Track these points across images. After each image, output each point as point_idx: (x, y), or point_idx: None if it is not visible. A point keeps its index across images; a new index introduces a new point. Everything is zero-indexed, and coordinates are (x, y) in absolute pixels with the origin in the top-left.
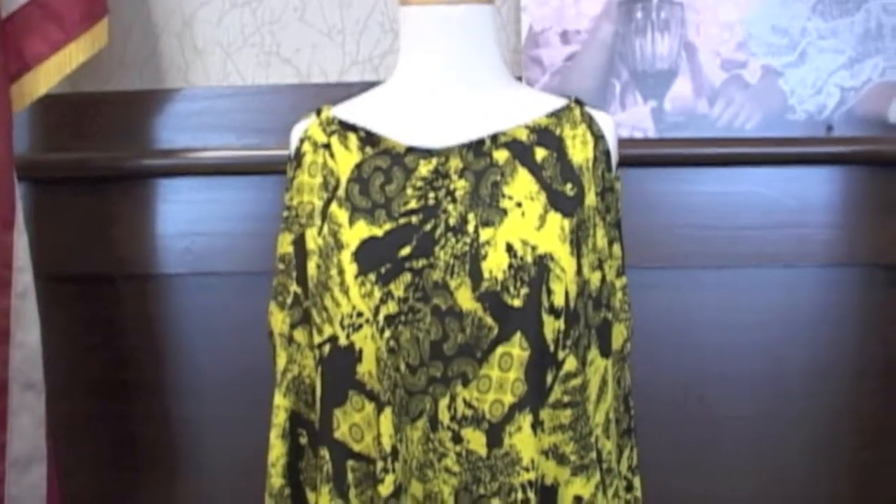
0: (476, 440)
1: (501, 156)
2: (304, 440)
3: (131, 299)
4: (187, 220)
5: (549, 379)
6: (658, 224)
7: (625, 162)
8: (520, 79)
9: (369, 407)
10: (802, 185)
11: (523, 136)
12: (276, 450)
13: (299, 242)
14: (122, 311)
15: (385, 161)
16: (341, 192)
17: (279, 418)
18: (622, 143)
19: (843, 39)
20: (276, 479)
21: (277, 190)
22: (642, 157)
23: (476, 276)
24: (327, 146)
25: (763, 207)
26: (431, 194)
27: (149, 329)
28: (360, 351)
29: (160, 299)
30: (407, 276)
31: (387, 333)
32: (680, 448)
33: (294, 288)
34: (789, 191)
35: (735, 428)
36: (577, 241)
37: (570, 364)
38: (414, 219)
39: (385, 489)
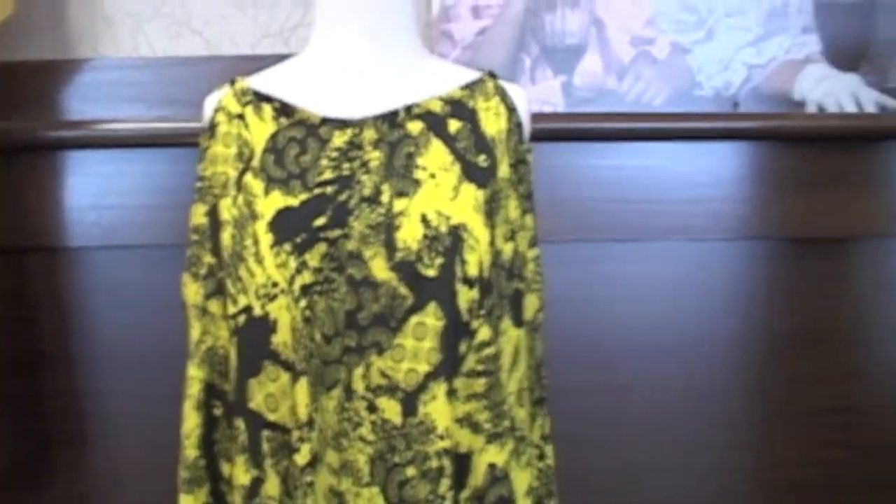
0: (391, 409)
1: (415, 127)
2: (218, 411)
3: (40, 272)
4: (97, 193)
5: (463, 348)
6: (569, 198)
7: (535, 136)
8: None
9: (284, 377)
10: (710, 160)
11: (437, 107)
12: (191, 421)
13: (213, 213)
14: (31, 284)
15: (300, 132)
16: (256, 162)
17: (193, 389)
18: (532, 117)
19: (749, 17)
20: (190, 451)
21: (188, 162)
22: (552, 131)
23: (390, 246)
24: (241, 116)
25: (672, 182)
26: (346, 165)
27: (57, 303)
28: (275, 321)
29: (69, 272)
30: (322, 247)
31: (302, 303)
32: (591, 418)
33: (208, 259)
34: (697, 165)
35: (645, 399)
36: (491, 212)
37: (484, 333)
38: (329, 189)
39: (301, 458)
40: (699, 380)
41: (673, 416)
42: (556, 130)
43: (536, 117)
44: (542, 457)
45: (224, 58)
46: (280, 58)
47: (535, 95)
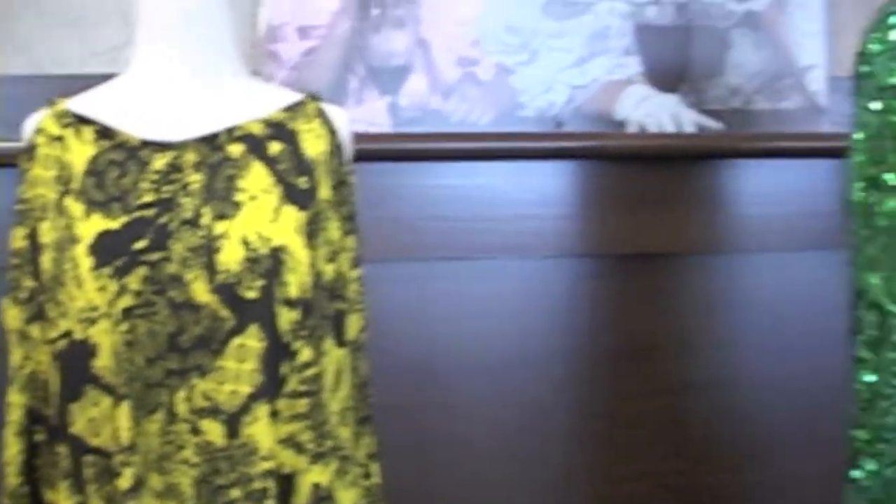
0: (214, 431)
1: (236, 149)
2: (40, 437)
3: None
4: None
5: (285, 369)
6: (397, 217)
7: (362, 157)
8: (256, 74)
9: (106, 401)
10: (535, 179)
11: (258, 130)
12: (12, 448)
13: (33, 236)
14: None
15: (120, 154)
16: (76, 185)
17: (14, 415)
18: (359, 138)
19: (572, 40)
20: (12, 478)
21: (8, 183)
22: (379, 151)
23: (211, 269)
24: (61, 139)
25: (497, 201)
26: (166, 188)
27: None
28: (96, 345)
29: None
30: (142, 270)
31: (123, 327)
32: (420, 435)
33: (29, 283)
34: (522, 184)
35: (477, 416)
36: (312, 234)
37: (306, 354)
38: (149, 212)
39: (124, 483)
40: (529, 396)
41: (504, 433)
42: (383, 151)
43: (363, 138)
44: (367, 475)
45: (48, 77)
46: (108, 77)
47: (362, 116)
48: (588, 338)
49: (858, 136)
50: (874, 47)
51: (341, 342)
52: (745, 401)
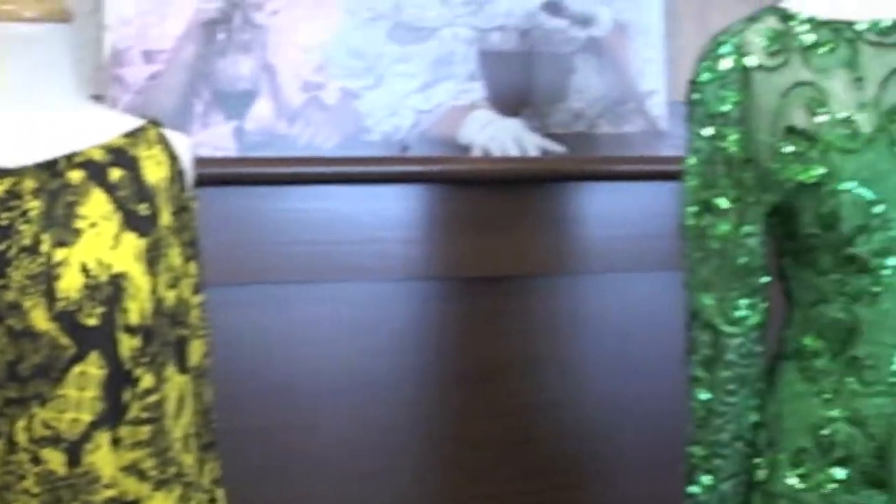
0: (55, 460)
1: (76, 176)
2: None
3: None
4: None
5: (127, 396)
6: (244, 242)
7: (207, 181)
8: (101, 98)
9: None
10: (380, 203)
11: (98, 156)
12: None
13: None
14: None
15: None
16: None
17: None
18: (204, 162)
19: (417, 64)
20: None
21: None
22: (224, 176)
23: (51, 296)
24: None
25: (344, 224)
26: (5, 215)
27: None
28: None
29: None
30: None
31: None
32: (277, 458)
33: None
34: (368, 208)
35: (328, 438)
36: (153, 260)
37: (148, 381)
38: None
39: None
40: (379, 417)
41: (355, 454)
42: (228, 175)
43: (208, 162)
44: (213, 501)
45: None
46: None
47: (207, 140)
48: (436, 360)
49: (691, 160)
50: (705, 76)
51: (183, 368)
52: (591, 421)
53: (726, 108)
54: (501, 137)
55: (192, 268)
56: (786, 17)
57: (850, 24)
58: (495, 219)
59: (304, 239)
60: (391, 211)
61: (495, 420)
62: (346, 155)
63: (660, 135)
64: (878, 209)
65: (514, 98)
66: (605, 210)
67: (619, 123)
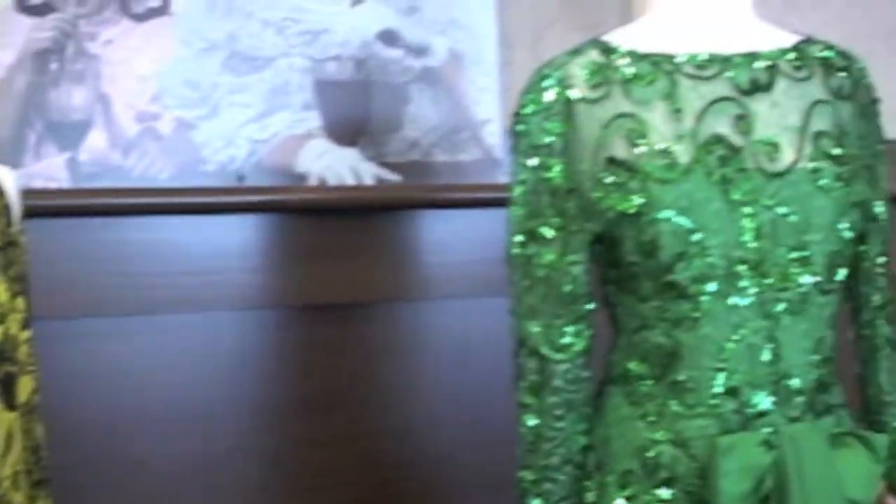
0: None
1: None
2: None
3: None
4: None
5: None
6: (78, 273)
7: (40, 213)
8: None
9: None
10: (217, 233)
11: None
12: None
13: None
14: None
15: None
16: None
17: None
18: (38, 194)
19: (252, 94)
20: None
21: None
22: (58, 207)
23: None
24: None
25: (179, 255)
26: None
27: None
28: None
29: None
30: None
31: None
32: (105, 493)
33: None
34: (204, 238)
35: (164, 469)
36: None
37: None
38: None
39: None
40: (219, 447)
41: (194, 485)
42: (62, 207)
43: (42, 194)
44: None
45: None
46: None
47: (40, 172)
48: (275, 388)
49: (517, 190)
50: (529, 108)
51: (11, 405)
52: (431, 445)
53: (550, 139)
54: (337, 166)
55: (21, 303)
56: (607, 50)
57: (669, 57)
58: (332, 247)
59: (140, 270)
60: (228, 241)
61: (336, 447)
62: (181, 185)
63: (495, 163)
64: (696, 237)
65: (350, 127)
66: (442, 237)
67: (455, 152)
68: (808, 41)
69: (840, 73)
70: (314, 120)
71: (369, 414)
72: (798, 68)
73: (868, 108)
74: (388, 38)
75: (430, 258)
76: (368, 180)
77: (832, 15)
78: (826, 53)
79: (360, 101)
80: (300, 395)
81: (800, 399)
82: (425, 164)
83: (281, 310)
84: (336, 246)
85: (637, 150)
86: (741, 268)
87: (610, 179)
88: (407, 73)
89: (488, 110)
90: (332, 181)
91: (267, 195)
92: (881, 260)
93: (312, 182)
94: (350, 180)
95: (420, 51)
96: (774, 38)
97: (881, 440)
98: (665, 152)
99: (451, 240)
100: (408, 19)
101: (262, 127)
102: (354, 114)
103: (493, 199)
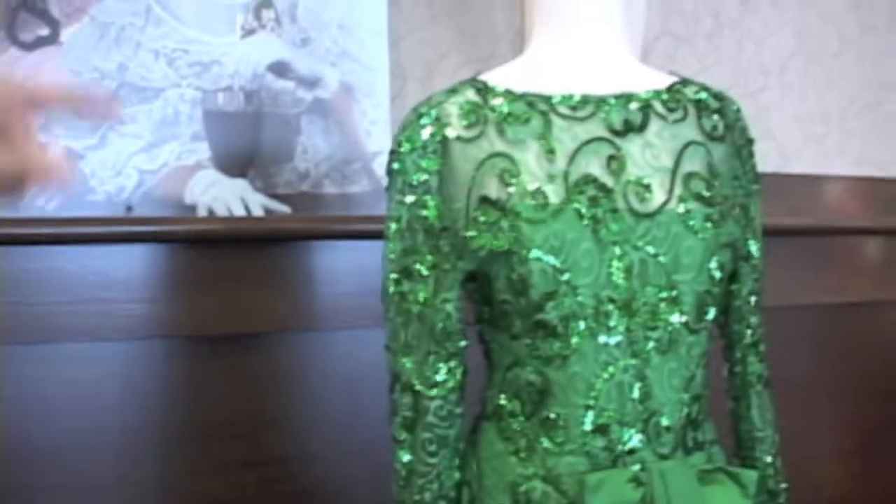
0: None
1: None
2: None
3: None
4: None
5: None
6: None
7: None
8: None
9: None
10: (105, 263)
11: None
12: None
13: None
14: None
15: None
16: None
17: None
18: None
19: (141, 125)
20: None
21: None
22: None
23: None
24: None
25: (69, 284)
26: None
27: None
28: None
29: None
30: None
31: None
32: None
33: None
34: (93, 268)
35: (51, 496)
36: None
37: None
38: None
39: None
40: (106, 477)
41: None
42: None
43: None
44: None
45: None
46: None
47: None
48: (163, 417)
49: (392, 227)
50: (405, 146)
51: None
52: (324, 473)
53: (425, 177)
54: (226, 197)
55: None
56: (483, 89)
57: (544, 97)
58: (221, 278)
59: (28, 300)
60: (116, 271)
61: (224, 475)
62: (69, 215)
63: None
64: (566, 277)
65: (239, 158)
66: (331, 268)
67: (345, 183)
68: (684, 83)
69: (714, 115)
70: (203, 151)
71: (258, 443)
72: (672, 110)
73: (742, 148)
74: (280, 69)
75: (319, 289)
76: (257, 211)
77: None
78: (700, 95)
79: (251, 132)
80: (188, 424)
81: (669, 436)
82: (315, 196)
83: (169, 340)
84: (224, 277)
85: (509, 190)
86: (610, 307)
87: (482, 218)
88: (298, 105)
89: (379, 142)
90: (221, 212)
91: (155, 225)
92: (753, 299)
93: (201, 213)
94: (239, 211)
95: (311, 82)
96: (649, 80)
97: (750, 476)
98: (536, 192)
99: (340, 271)
100: (299, 51)
101: (151, 157)
102: (244, 145)
103: (383, 231)
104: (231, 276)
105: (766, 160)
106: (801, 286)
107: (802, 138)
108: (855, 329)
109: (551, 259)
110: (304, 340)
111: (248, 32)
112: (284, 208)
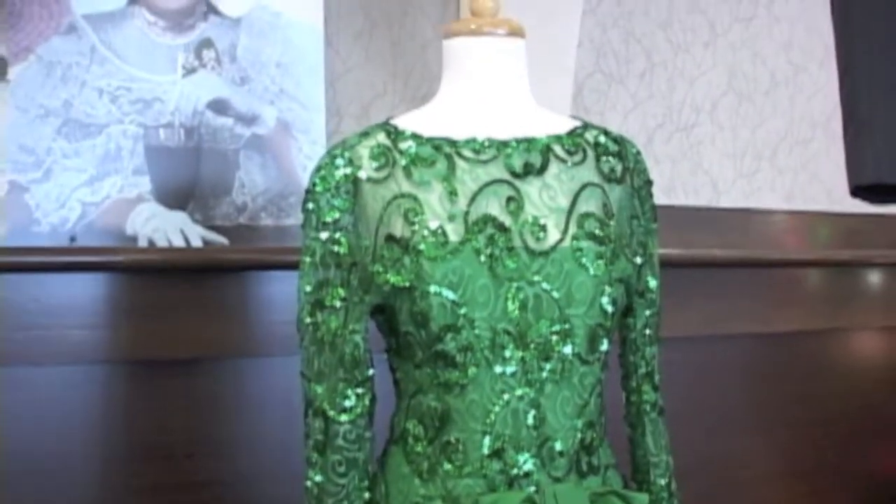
0: None
1: None
2: None
3: None
4: None
5: None
6: None
7: None
8: None
9: None
10: (49, 291)
11: None
12: None
13: None
14: None
15: None
16: None
17: None
18: None
19: (85, 159)
20: None
21: None
22: None
23: None
24: None
25: (13, 311)
26: None
27: None
28: None
29: None
30: None
31: None
32: None
33: None
34: (36, 296)
35: None
36: None
37: None
38: None
39: None
40: (48, 501)
41: None
42: None
43: None
44: None
45: None
46: None
47: None
48: (103, 440)
49: (307, 261)
50: (320, 186)
51: None
52: (259, 496)
53: (337, 215)
54: (166, 228)
55: None
56: (393, 133)
57: (449, 141)
58: (160, 306)
59: None
60: (59, 299)
61: (161, 497)
62: (15, 245)
63: None
64: (464, 310)
65: (179, 192)
66: (267, 297)
67: (281, 216)
68: (585, 127)
69: (612, 158)
70: (145, 184)
71: (194, 466)
72: (571, 153)
73: (641, 189)
74: (219, 106)
75: (255, 317)
76: (196, 242)
77: None
78: (600, 139)
79: (190, 166)
80: (126, 447)
81: (562, 461)
82: (252, 228)
83: (110, 365)
84: (164, 304)
85: (413, 228)
86: (506, 339)
87: (387, 255)
88: (236, 141)
89: None
90: (162, 243)
91: (97, 255)
92: (648, 332)
93: (142, 243)
94: (179, 242)
95: (250, 119)
96: (551, 125)
97: (642, 499)
98: (437, 231)
99: (275, 300)
100: (238, 89)
101: (94, 190)
102: (184, 179)
103: None
104: (170, 305)
105: (699, 194)
106: (732, 316)
107: (734, 173)
108: (783, 357)
109: (450, 294)
110: (239, 366)
111: (190, 71)
112: (222, 240)
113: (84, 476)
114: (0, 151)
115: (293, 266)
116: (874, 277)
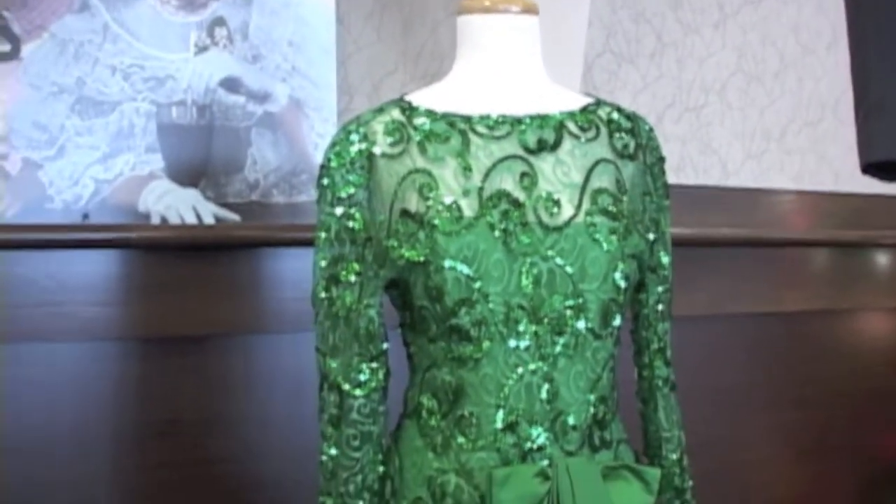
0: None
1: None
2: None
3: None
4: None
5: None
6: None
7: None
8: None
9: None
10: (62, 268)
11: None
12: None
13: None
14: None
15: None
16: None
17: None
18: None
19: (98, 136)
20: None
21: None
22: None
23: None
24: None
25: (27, 288)
26: None
27: None
28: None
29: None
30: None
31: None
32: None
33: None
34: (49, 272)
35: (6, 497)
36: None
37: None
38: None
39: None
40: (60, 476)
41: None
42: None
43: None
44: None
45: None
46: None
47: None
48: (116, 416)
49: (322, 236)
50: (334, 162)
51: None
52: (269, 472)
53: (352, 190)
54: (178, 206)
55: None
56: (407, 109)
57: (464, 117)
58: (172, 282)
59: None
60: (72, 275)
61: (174, 472)
62: (28, 222)
63: None
64: (478, 285)
65: (191, 169)
66: (278, 274)
67: (293, 193)
68: (598, 104)
69: (625, 135)
70: (157, 162)
71: (206, 441)
72: (585, 129)
73: (653, 166)
74: (231, 84)
75: (266, 294)
76: (209, 219)
77: None
78: (613, 116)
79: (203, 144)
80: (140, 423)
81: (575, 434)
82: (264, 205)
83: (122, 342)
84: (175, 281)
85: (427, 204)
86: (519, 313)
87: (402, 230)
88: (248, 118)
89: None
90: (174, 220)
91: (110, 232)
92: (660, 307)
93: (155, 220)
94: (191, 219)
95: (261, 97)
96: (565, 101)
97: (654, 473)
98: (452, 206)
99: (287, 277)
100: (250, 67)
101: (107, 168)
102: (196, 156)
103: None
104: (182, 281)
105: (708, 173)
106: (739, 295)
107: (743, 154)
108: (790, 337)
109: (464, 268)
110: (251, 343)
111: (202, 49)
112: (234, 217)
113: (96, 451)
114: (14, 129)
115: (305, 243)
116: (882, 258)
